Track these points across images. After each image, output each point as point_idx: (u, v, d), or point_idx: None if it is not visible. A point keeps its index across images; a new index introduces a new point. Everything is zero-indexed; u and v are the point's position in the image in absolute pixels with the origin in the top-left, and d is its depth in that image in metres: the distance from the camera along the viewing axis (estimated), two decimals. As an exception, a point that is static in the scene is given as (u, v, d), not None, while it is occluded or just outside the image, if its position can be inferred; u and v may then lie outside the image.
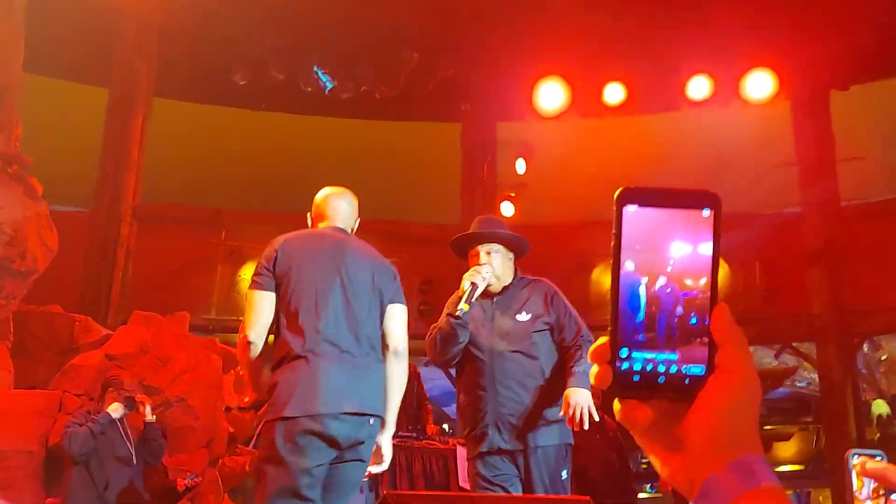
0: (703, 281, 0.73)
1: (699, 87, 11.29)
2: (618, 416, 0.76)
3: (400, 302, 3.74)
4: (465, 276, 4.07)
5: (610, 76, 11.36)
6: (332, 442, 3.36)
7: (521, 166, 11.84)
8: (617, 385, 0.73)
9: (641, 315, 0.73)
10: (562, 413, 3.97)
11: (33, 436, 7.46)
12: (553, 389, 4.05)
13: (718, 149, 11.88)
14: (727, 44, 10.81)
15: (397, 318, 3.69)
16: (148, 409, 6.58)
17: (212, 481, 7.80)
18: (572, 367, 4.00)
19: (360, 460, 3.51)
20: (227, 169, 11.85)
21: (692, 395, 0.72)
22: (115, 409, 6.36)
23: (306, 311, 3.47)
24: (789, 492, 14.41)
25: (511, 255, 4.29)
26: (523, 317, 4.13)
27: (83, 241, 9.99)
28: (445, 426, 10.65)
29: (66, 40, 9.56)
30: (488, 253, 4.18)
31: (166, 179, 10.67)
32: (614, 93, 11.47)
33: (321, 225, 3.83)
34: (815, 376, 12.93)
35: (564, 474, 4.07)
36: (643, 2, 10.49)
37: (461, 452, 6.63)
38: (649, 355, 0.73)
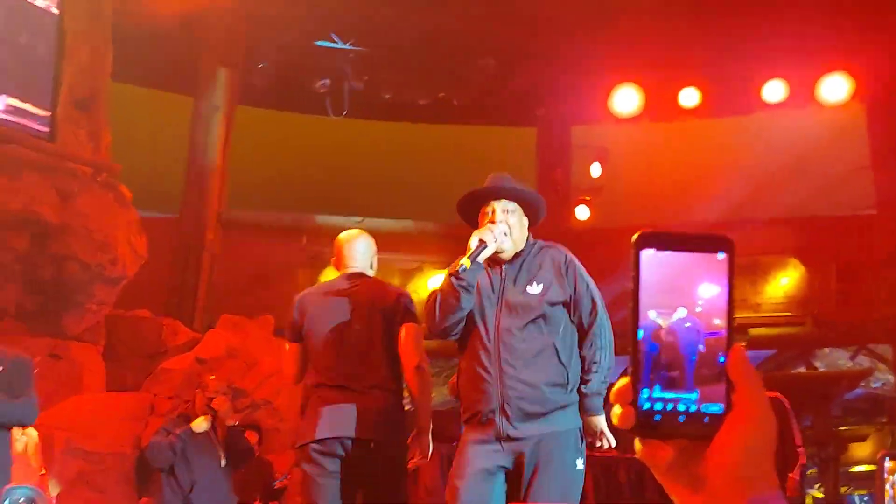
0: (719, 322, 0.76)
1: (775, 90, 11.20)
2: (638, 455, 0.78)
3: (411, 321, 4.08)
4: (475, 232, 3.52)
5: (685, 80, 11.33)
6: (341, 459, 3.94)
7: (596, 170, 11.83)
8: (639, 425, 0.75)
9: (660, 356, 0.76)
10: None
11: (126, 438, 7.68)
12: (569, 369, 3.57)
13: (793, 152, 11.75)
14: (803, 47, 10.69)
15: (411, 337, 4.04)
16: (225, 412, 6.41)
17: (298, 482, 7.92)
18: (584, 380, 3.58)
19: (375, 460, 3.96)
20: (307, 174, 12.05)
21: (711, 433, 0.75)
22: (199, 425, 6.27)
23: (320, 355, 4.05)
24: (863, 491, 14.19)
25: (526, 221, 3.69)
26: (534, 289, 3.57)
27: (170, 247, 10.23)
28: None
29: (154, 50, 9.81)
30: (505, 211, 3.59)
31: (249, 185, 10.89)
32: (689, 97, 11.43)
33: (341, 269, 4.27)
34: (891, 377, 12.77)
35: (580, 464, 3.60)
36: (719, 6, 10.41)
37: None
38: (669, 395, 0.75)
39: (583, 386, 3.55)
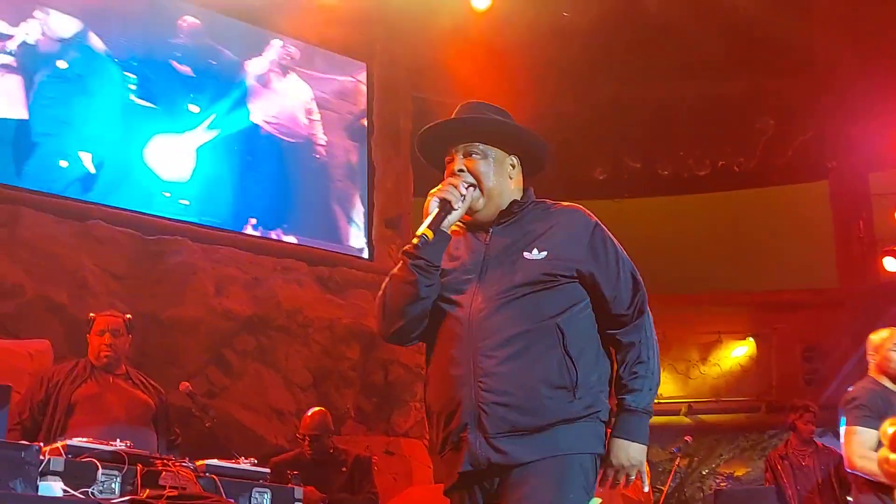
0: None
1: None
2: None
3: None
4: (431, 192, 2.51)
5: None
6: None
7: (903, 216, 11.06)
8: None
9: None
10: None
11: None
12: (577, 365, 2.37)
13: None
14: None
15: None
16: None
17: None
18: (622, 395, 2.44)
19: None
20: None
21: None
22: None
23: None
24: None
25: (513, 161, 2.62)
26: (534, 254, 2.45)
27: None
28: None
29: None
30: (468, 154, 2.57)
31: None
32: None
33: None
34: None
35: None
36: None
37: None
38: None
39: (627, 396, 2.43)
